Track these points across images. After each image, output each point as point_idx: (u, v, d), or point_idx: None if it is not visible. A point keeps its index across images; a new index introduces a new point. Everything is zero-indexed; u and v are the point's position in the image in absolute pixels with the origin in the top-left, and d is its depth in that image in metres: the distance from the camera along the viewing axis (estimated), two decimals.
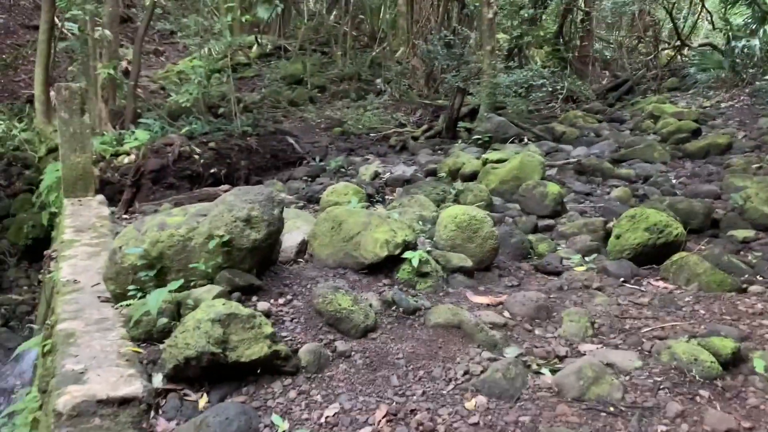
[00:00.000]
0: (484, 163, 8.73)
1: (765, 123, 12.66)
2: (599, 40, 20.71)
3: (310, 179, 10.68)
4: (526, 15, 15.35)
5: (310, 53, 17.46)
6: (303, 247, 5.08)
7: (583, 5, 19.18)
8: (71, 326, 4.17)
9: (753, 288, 5.23)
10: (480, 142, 11.21)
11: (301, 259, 5.02)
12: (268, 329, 3.68)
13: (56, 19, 12.08)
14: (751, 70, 15.74)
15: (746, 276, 5.53)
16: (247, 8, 17.23)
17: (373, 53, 18.06)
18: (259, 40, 18.19)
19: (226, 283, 4.15)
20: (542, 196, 7.03)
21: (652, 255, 5.74)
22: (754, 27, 16.43)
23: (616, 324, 4.46)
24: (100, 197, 7.73)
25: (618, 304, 4.81)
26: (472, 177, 8.68)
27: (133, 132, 9.83)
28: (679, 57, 19.63)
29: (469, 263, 5.00)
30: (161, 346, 3.81)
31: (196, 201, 7.81)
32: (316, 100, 15.86)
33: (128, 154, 9.65)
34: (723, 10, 17.95)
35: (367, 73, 17.21)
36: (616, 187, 8.38)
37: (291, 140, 12.33)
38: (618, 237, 5.92)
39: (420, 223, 5.71)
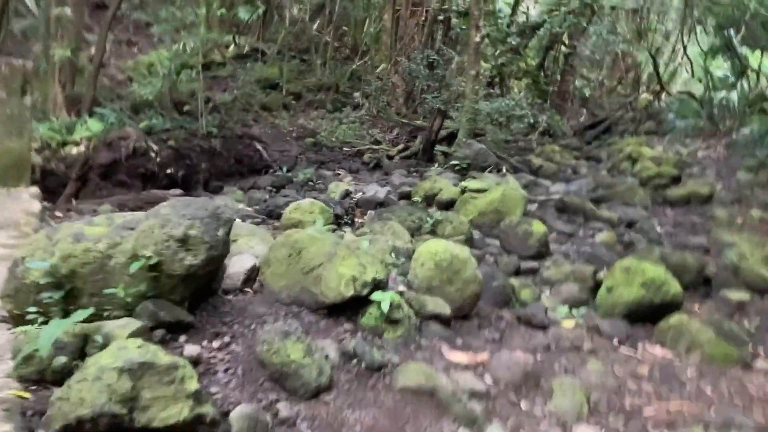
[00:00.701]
0: (463, 191, 7.97)
1: (743, 176, 12.23)
2: (580, 78, 20.32)
3: (274, 190, 9.78)
4: (512, 43, 14.78)
5: (288, 59, 16.59)
6: (253, 275, 4.20)
7: (566, 41, 18.79)
8: None
9: (759, 364, 4.57)
10: (458, 168, 10.47)
11: (249, 289, 4.14)
12: (193, 385, 2.81)
13: None
14: (728, 122, 15.44)
15: (748, 346, 4.85)
16: (228, 7, 16.33)
17: (354, 66, 17.27)
18: (237, 41, 17.25)
19: (149, 318, 3.26)
20: (526, 235, 6.28)
21: (647, 313, 5.02)
22: (733, 80, 16.19)
23: (614, 400, 3.70)
24: (34, 189, 6.72)
25: (614, 374, 4.05)
26: (449, 205, 7.91)
27: (86, 122, 8.83)
28: (657, 102, 19.33)
29: (446, 310, 4.19)
30: (54, 393, 2.90)
31: (142, 204, 6.87)
32: (290, 107, 14.97)
33: (77, 144, 8.64)
34: (704, 59, 17.70)
35: (345, 86, 16.39)
36: (600, 230, 7.71)
37: (259, 146, 11.42)
38: (610, 290, 5.19)
39: (393, 255, 4.89)
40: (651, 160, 12.80)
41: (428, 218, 6.38)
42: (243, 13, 16.91)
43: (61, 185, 8.20)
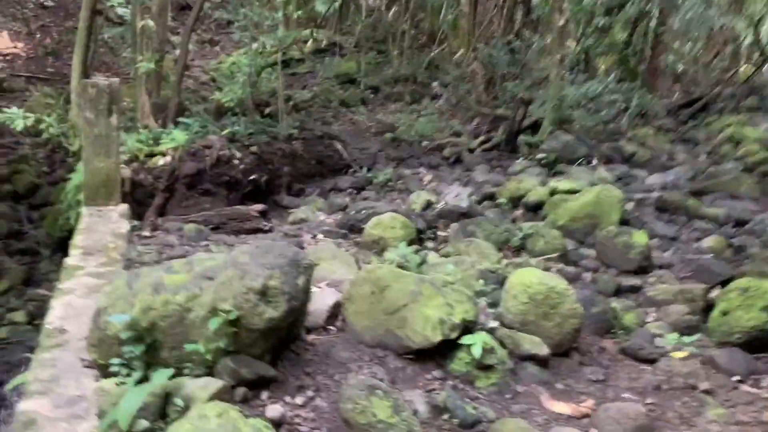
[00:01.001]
0: (552, 192, 7.48)
1: None
2: (673, 52, 18.95)
3: (355, 191, 9.60)
4: (599, 23, 13.87)
5: (365, 51, 16.33)
6: (336, 311, 3.98)
7: (657, 14, 17.51)
8: (35, 407, 3.18)
9: None
10: (544, 161, 9.91)
11: (332, 327, 3.92)
12: None
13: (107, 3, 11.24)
14: None
15: None
16: (305, 1, 16.23)
17: (432, 54, 16.79)
18: (315, 35, 17.14)
19: (229, 376, 3.08)
20: (626, 248, 5.76)
21: None
22: None
23: None
24: (122, 208, 6.79)
25: (738, 423, 3.57)
26: (537, 207, 7.45)
27: (170, 132, 8.91)
28: (759, 75, 17.75)
29: (544, 350, 3.82)
30: None
31: (226, 219, 6.83)
32: (368, 101, 14.73)
33: (164, 155, 8.73)
34: None
35: (423, 76, 15.94)
36: (705, 231, 7.02)
37: (338, 146, 11.26)
38: (725, 314, 4.63)
39: (481, 282, 4.54)
40: (757, 143, 11.72)
41: (517, 231, 5.97)
42: (320, 6, 16.79)
43: (150, 196, 8.31)
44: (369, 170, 10.54)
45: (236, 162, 9.09)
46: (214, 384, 2.98)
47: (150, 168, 8.60)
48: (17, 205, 11.97)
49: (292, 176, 10.26)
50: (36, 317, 9.38)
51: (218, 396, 2.96)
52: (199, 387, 2.97)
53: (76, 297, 4.53)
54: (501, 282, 4.49)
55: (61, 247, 11.02)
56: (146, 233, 6.25)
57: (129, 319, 3.19)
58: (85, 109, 6.64)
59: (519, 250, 5.79)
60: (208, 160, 8.74)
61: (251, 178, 9.28)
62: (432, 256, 5.26)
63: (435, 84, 15.46)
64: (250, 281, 3.10)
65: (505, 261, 5.28)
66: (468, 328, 3.61)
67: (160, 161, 8.63)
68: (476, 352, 3.46)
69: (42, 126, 7.54)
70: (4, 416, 7.69)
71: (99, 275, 4.93)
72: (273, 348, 3.26)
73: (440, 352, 3.58)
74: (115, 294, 3.40)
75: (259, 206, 6.71)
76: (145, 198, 8.30)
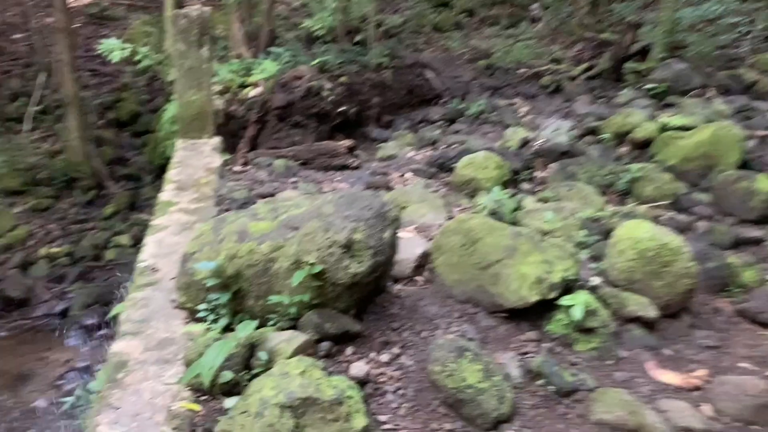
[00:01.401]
0: (662, 128, 6.78)
1: None
2: None
3: (446, 123, 9.18)
4: None
5: None
6: (424, 261, 3.75)
7: None
8: (127, 349, 3.21)
9: None
10: (653, 92, 9.03)
11: (420, 278, 3.72)
12: (360, 422, 2.48)
13: None
14: None
15: None
16: None
17: None
18: None
19: (314, 329, 2.95)
20: (747, 195, 5.12)
21: None
22: None
23: None
24: (215, 141, 6.77)
25: None
26: (645, 145, 6.78)
27: (261, 62, 8.75)
28: None
29: (651, 312, 3.46)
30: (225, 404, 2.75)
31: (315, 155, 6.68)
32: (462, 26, 13.95)
33: (255, 86, 8.61)
34: None
35: None
36: None
37: (429, 74, 10.76)
38: None
39: (583, 232, 4.16)
40: None
41: (623, 174, 5.44)
42: None
43: (242, 128, 8.28)
44: (461, 100, 10.04)
45: (326, 93, 8.86)
46: (298, 338, 2.87)
47: (242, 99, 8.52)
48: (121, 132, 12.43)
49: (381, 107, 9.94)
50: (139, 240, 9.82)
51: (302, 351, 2.85)
52: (284, 340, 2.87)
53: (168, 234, 4.55)
54: (605, 233, 4.10)
55: (161, 173, 11.42)
56: (237, 168, 6.21)
57: (214, 267, 3.11)
58: (177, 41, 6.56)
59: (624, 194, 5.29)
60: (298, 92, 8.55)
61: (340, 110, 9.05)
62: (528, 201, 4.89)
63: (534, 6, 14.40)
64: (335, 234, 2.91)
65: (609, 208, 4.84)
66: (568, 286, 3.29)
67: (252, 92, 8.53)
68: (577, 313, 3.16)
69: (137, 57, 7.56)
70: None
71: (191, 212, 4.94)
72: (358, 302, 3.10)
73: (536, 312, 3.31)
74: (201, 240, 3.32)
75: (348, 141, 6.48)
76: (238, 130, 8.28)
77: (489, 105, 9.58)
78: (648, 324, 3.46)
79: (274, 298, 2.99)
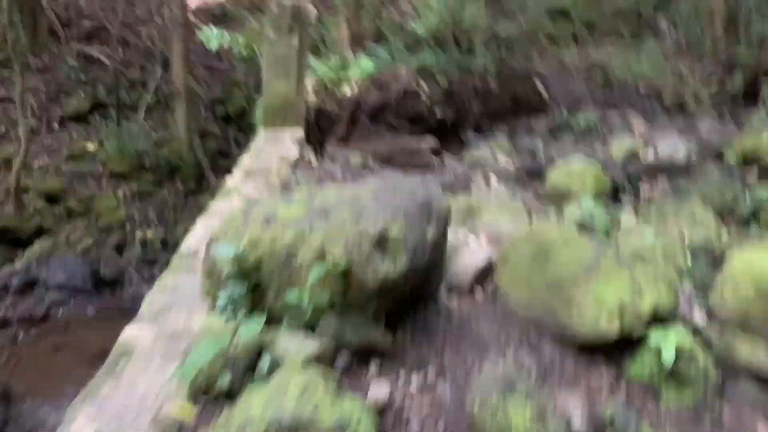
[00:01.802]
0: None
1: None
2: None
3: (549, 134, 8.42)
4: None
5: None
6: (486, 273, 3.15)
7: None
8: (136, 336, 2.87)
9: None
10: None
11: (479, 291, 3.11)
12: None
13: None
14: None
15: None
16: None
17: None
18: None
19: (332, 336, 2.45)
20: None
21: None
22: None
23: None
24: (298, 132, 6.48)
25: None
26: None
27: (359, 60, 8.43)
28: None
29: None
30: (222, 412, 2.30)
31: (394, 152, 6.22)
32: (580, 37, 13.02)
33: (351, 83, 8.30)
34: None
35: (648, 10, 13.68)
36: None
37: (539, 84, 10.00)
38: None
39: (689, 259, 3.38)
40: None
41: (748, 197, 4.51)
42: None
43: (332, 125, 7.98)
44: (570, 113, 9.21)
45: (423, 96, 8.38)
46: (312, 345, 2.38)
47: (336, 96, 8.23)
48: (227, 126, 12.62)
49: (481, 114, 9.32)
50: None
51: (316, 360, 2.36)
52: (295, 346, 2.39)
53: (220, 220, 4.23)
54: (717, 262, 3.29)
55: None
56: (313, 160, 5.86)
57: (235, 253, 2.69)
58: (267, 28, 6.35)
59: (747, 222, 4.36)
60: (394, 93, 8.13)
61: (437, 113, 8.54)
62: (628, 219, 4.12)
63: (661, 20, 13.19)
64: (366, 225, 2.40)
65: (725, 234, 3.97)
66: (660, 319, 2.58)
67: (347, 90, 8.22)
68: (668, 355, 2.44)
69: (237, 48, 7.47)
70: None
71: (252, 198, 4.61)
72: (391, 310, 2.56)
73: (615, 346, 2.61)
74: (229, 223, 2.92)
75: (432, 141, 5.94)
76: (329, 127, 7.98)
77: (600, 119, 8.70)
78: (763, 378, 2.65)
79: (291, 296, 2.51)
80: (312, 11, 7.38)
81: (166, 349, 2.75)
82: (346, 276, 2.42)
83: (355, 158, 5.70)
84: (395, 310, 2.60)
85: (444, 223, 2.57)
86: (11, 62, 9.15)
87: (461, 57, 10.03)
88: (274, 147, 5.90)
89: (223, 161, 11.49)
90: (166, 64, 11.73)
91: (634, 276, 2.64)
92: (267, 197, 4.53)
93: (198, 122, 11.77)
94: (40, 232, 9.15)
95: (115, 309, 8.17)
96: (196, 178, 10.84)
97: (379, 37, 10.80)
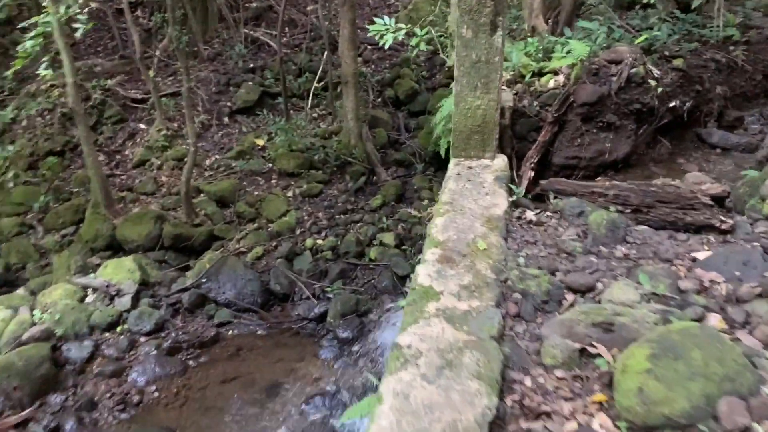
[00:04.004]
0: None
1: None
2: None
3: None
4: None
5: None
6: None
7: None
8: None
9: None
10: None
11: None
12: None
13: None
14: None
15: None
16: None
17: None
18: None
19: None
20: None
21: None
22: None
23: None
24: (500, 162, 4.59)
25: None
26: None
27: (566, 42, 6.19)
28: None
29: None
30: None
31: (651, 202, 4.04)
32: None
33: (556, 73, 6.14)
34: None
35: None
36: None
37: None
38: None
39: None
40: None
41: None
42: None
43: (533, 129, 5.93)
44: None
45: (652, 83, 5.99)
46: None
47: (537, 91, 6.12)
48: (397, 111, 10.95)
49: (726, 99, 6.71)
50: (404, 241, 8.25)
51: None
52: None
53: (417, 375, 2.52)
54: None
55: (433, 161, 9.68)
56: (529, 215, 3.94)
57: None
58: (461, 25, 4.41)
59: None
60: (614, 82, 5.85)
61: (670, 105, 6.12)
62: None
63: None
64: None
65: None
66: None
67: (551, 82, 6.07)
68: None
69: (413, 42, 5.65)
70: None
71: (458, 319, 2.83)
72: None
73: None
74: None
75: (715, 186, 3.69)
76: (528, 132, 5.95)
77: None
78: None
79: None
80: None
81: None
82: None
83: (595, 216, 3.65)
84: None
85: None
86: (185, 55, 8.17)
87: (691, 22, 7.33)
88: (472, 195, 4.07)
89: (393, 152, 9.92)
90: (333, 47, 10.24)
91: None
92: (485, 314, 2.74)
93: (366, 109, 10.21)
94: (210, 238, 8.27)
95: (286, 329, 7.04)
96: (367, 174, 9.37)
97: (579, 3, 8.36)
